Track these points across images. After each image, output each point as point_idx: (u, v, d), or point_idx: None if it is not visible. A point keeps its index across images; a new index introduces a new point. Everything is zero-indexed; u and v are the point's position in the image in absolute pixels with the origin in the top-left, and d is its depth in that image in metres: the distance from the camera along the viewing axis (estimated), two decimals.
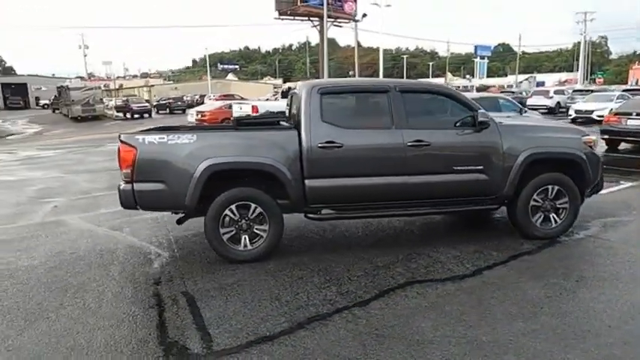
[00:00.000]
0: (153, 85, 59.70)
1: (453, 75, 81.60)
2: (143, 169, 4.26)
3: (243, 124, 4.93)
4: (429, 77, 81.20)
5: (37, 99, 57.55)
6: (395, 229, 5.48)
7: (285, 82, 75.14)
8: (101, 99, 35.50)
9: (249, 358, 2.83)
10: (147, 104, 37.31)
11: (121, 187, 4.31)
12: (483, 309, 3.40)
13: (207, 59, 60.87)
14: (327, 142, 4.44)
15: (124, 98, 39.54)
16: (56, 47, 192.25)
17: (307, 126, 4.46)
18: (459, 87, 61.84)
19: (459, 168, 4.67)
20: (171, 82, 75.97)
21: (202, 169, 4.23)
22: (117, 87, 60.87)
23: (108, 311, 3.53)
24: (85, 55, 57.79)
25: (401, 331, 3.10)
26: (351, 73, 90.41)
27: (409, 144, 4.55)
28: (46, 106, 50.96)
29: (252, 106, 15.78)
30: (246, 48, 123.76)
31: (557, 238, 4.89)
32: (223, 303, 3.61)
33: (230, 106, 19.50)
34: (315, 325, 3.22)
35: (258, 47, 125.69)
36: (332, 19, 55.41)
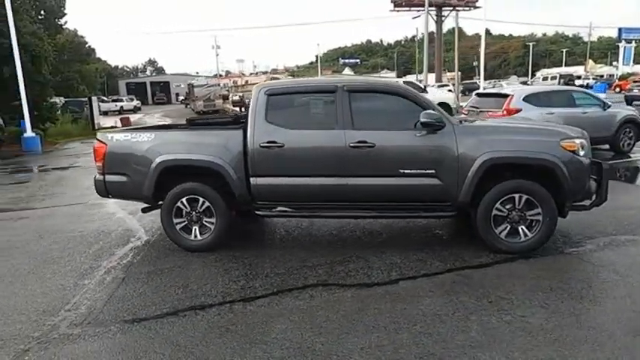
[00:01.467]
0: (274, 79, 63.66)
1: (596, 62, 71.70)
2: (111, 163, 4.90)
3: (196, 123, 5.31)
4: (562, 66, 72.74)
5: (177, 95, 65.43)
6: (363, 231, 5.38)
7: (404, 75, 73.91)
8: (221, 95, 39.00)
9: (106, 336, 3.21)
10: None
11: (96, 178, 5.01)
12: (350, 318, 3.30)
13: (319, 55, 62.96)
14: (268, 142, 4.60)
15: (240, 94, 42.89)
16: (197, 48, 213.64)
17: (252, 126, 4.67)
18: (602, 76, 54.17)
19: (407, 171, 4.45)
20: (291, 77, 79.74)
21: (155, 165, 4.71)
22: (243, 83, 66.12)
23: (52, 279, 4.22)
24: (217, 55, 64.05)
25: (247, 330, 3.19)
26: (475, 63, 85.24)
27: (351, 145, 4.47)
28: (181, 102, 57.82)
29: None
30: (368, 41, 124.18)
31: (532, 253, 4.36)
32: (141, 285, 4.05)
33: None
34: (188, 313, 3.47)
35: (380, 40, 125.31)
36: (450, 8, 52.82)
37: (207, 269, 4.37)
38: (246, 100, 39.55)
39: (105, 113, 42.15)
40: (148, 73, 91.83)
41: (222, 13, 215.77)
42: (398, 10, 53.20)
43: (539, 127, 4.79)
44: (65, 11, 48.47)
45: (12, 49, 16.31)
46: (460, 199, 4.43)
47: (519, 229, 4.43)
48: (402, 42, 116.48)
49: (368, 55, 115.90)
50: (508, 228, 4.44)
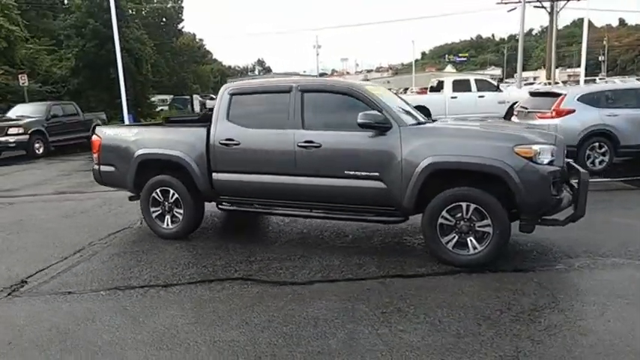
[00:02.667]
0: (368, 80, 63.50)
1: None
2: (104, 155, 5.51)
3: (171, 121, 5.68)
4: None
5: None
6: (331, 231, 5.34)
7: (515, 71, 68.89)
8: None
9: (50, 300, 3.73)
10: None
11: (93, 167, 5.68)
12: (234, 312, 3.39)
13: (413, 52, 61.10)
14: (227, 140, 4.83)
15: None
16: (303, 47, 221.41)
17: (215, 124, 4.94)
18: None
19: (351, 173, 4.37)
20: (390, 75, 78.88)
21: (134, 158, 5.22)
22: None
23: (35, 250, 4.92)
24: (318, 54, 65.79)
25: (138, 313, 3.44)
26: (601, 58, 76.18)
27: (299, 144, 4.51)
28: None
29: None
30: (479, 37, 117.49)
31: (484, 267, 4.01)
32: (106, 262, 4.56)
33: None
34: (110, 292, 3.85)
35: (492, 35, 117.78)
36: None
37: (163, 255, 4.74)
38: None
39: (210, 110, 45.75)
40: (256, 72, 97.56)
41: (327, 13, 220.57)
42: (506, 3, 49.89)
43: (494, 131, 4.33)
44: (182, 17, 53.44)
45: (119, 53, 18.66)
46: (404, 204, 4.23)
47: (468, 240, 4.10)
48: (516, 36, 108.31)
49: (477, 51, 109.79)
50: (456, 238, 4.13)
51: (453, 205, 4.07)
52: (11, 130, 13.98)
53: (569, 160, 4.84)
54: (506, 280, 3.82)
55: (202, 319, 3.31)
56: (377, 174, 4.28)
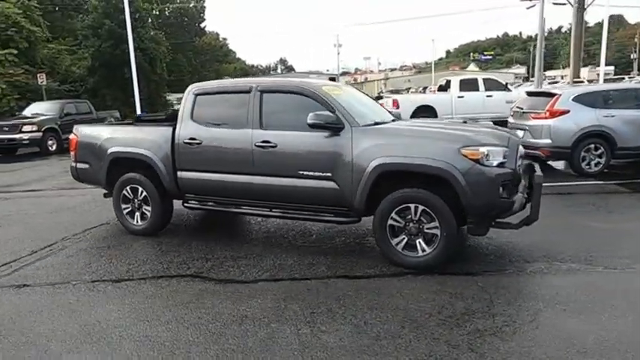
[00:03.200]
0: (388, 78, 63.05)
1: None
2: (80, 153, 5.68)
3: (141, 120, 5.79)
4: None
5: None
6: (298, 230, 5.36)
7: (545, 70, 67.28)
8: None
9: (3, 292, 3.90)
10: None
11: (71, 164, 5.85)
12: (163, 308, 3.47)
13: (434, 50, 60.08)
14: (190, 139, 4.91)
15: None
16: (325, 46, 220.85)
17: (180, 123, 5.03)
18: None
19: (304, 173, 4.38)
20: (412, 73, 78.04)
21: (106, 156, 5.36)
22: (362, 80, 66.91)
23: (10, 243, 5.10)
24: (339, 53, 65.83)
25: (79, 306, 3.56)
26: (633, 56, 73.43)
27: (256, 144, 4.55)
28: None
29: (393, 100, 15.70)
30: (505, 34, 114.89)
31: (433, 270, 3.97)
32: (70, 257, 4.71)
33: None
34: (64, 286, 3.98)
35: (519, 33, 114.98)
36: None
37: (126, 251, 4.86)
38: None
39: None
40: (278, 71, 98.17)
41: (350, 11, 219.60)
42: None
43: (444, 132, 4.25)
44: (204, 17, 54.25)
45: (133, 53, 19.13)
46: (355, 205, 4.22)
47: (417, 242, 4.06)
48: (546, 34, 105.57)
49: (503, 49, 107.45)
50: (405, 240, 4.09)
51: (402, 206, 4.04)
52: (25, 128, 14.50)
53: (533, 162, 4.75)
54: (450, 284, 3.77)
55: (136, 315, 3.39)
56: (329, 174, 4.28)
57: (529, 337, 2.91)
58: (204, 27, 57.50)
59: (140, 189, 5.27)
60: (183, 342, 2.98)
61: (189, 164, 4.95)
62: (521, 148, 4.41)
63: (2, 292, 3.90)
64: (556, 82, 39.30)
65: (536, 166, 4.52)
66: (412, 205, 4.00)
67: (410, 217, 4.04)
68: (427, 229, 4.00)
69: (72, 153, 5.77)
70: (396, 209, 4.06)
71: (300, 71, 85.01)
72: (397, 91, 35.45)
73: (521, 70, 70.71)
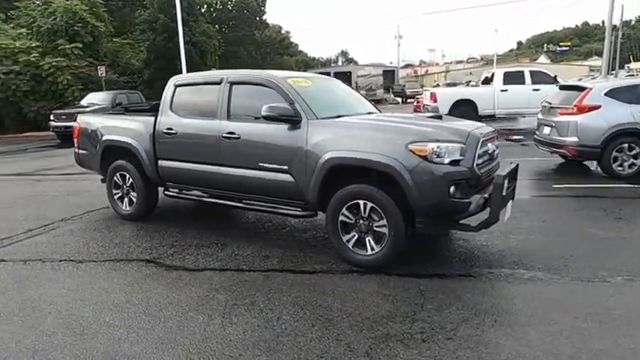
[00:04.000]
0: (449, 71, 60.82)
1: None
2: (81, 140, 6.05)
3: (130, 110, 5.99)
4: None
5: (357, 85, 68.32)
6: (282, 222, 5.37)
7: (627, 62, 61.90)
8: (382, 85, 39.47)
9: None
10: (419, 89, 39.11)
11: (74, 151, 6.24)
12: (94, 291, 3.64)
13: (495, 42, 56.87)
14: (167, 129, 5.07)
15: (402, 84, 42.58)
16: (388, 37, 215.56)
17: (160, 114, 5.20)
18: None
19: (264, 165, 4.38)
20: (479, 65, 74.52)
21: (100, 143, 5.67)
22: (423, 73, 65.15)
23: (13, 222, 5.56)
24: (399, 45, 64.65)
25: (37, 282, 3.83)
26: None
27: (223, 135, 4.61)
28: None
29: (431, 94, 15.14)
30: (585, 24, 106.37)
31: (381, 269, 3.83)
32: (56, 237, 5.06)
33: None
34: (36, 263, 4.29)
35: (602, 22, 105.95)
36: None
37: (107, 233, 5.13)
38: (407, 91, 39.31)
39: None
40: (339, 63, 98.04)
41: (413, 2, 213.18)
42: None
43: (396, 127, 4.02)
44: (265, 9, 55.17)
45: (185, 46, 19.96)
46: (309, 199, 4.16)
47: (366, 240, 3.92)
48: (632, 22, 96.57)
49: (582, 40, 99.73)
50: (356, 237, 3.98)
51: (352, 202, 3.92)
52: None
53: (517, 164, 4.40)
54: (391, 284, 3.61)
55: (75, 294, 3.57)
56: (286, 167, 4.24)
57: (434, 347, 2.72)
58: (265, 19, 58.55)
59: (127, 176, 5.53)
60: (100, 323, 3.11)
61: (167, 154, 5.12)
62: (491, 145, 4.11)
63: None
64: (631, 76, 35.92)
65: (511, 167, 4.18)
66: (361, 202, 3.87)
67: (360, 214, 3.91)
68: (376, 227, 3.86)
69: (75, 140, 6.16)
70: (347, 205, 3.94)
71: (363, 63, 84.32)
72: (453, 84, 34.22)
73: (598, 62, 65.28)
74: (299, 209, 4.37)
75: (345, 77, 69.62)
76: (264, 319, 3.11)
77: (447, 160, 3.63)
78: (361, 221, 3.92)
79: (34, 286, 3.74)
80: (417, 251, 4.27)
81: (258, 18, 56.10)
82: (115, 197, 5.73)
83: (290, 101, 4.26)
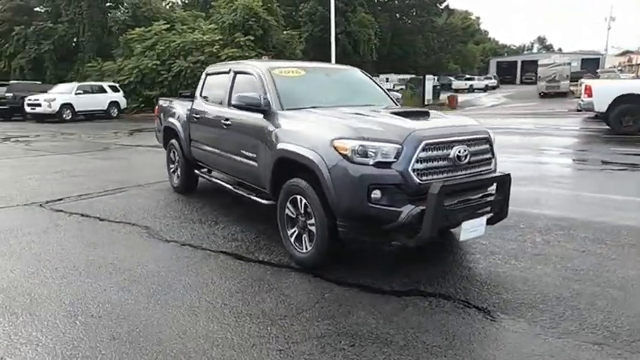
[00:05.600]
0: None
1: None
2: (160, 120, 7.08)
3: (182, 96, 6.60)
4: None
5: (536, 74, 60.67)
6: None
7: None
8: (568, 76, 34.13)
9: (45, 211, 5.52)
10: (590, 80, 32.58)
11: (156, 129, 7.33)
12: (68, 241, 4.33)
13: None
14: (195, 114, 5.64)
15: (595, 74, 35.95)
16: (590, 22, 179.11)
17: (194, 100, 5.80)
18: None
19: (244, 152, 4.56)
20: None
21: (162, 125, 6.60)
22: (638, 63, 53.94)
23: (99, 182, 6.88)
24: (609, 28, 55.12)
25: (59, 235, 4.77)
26: None
27: (223, 122, 4.93)
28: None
29: (586, 87, 12.62)
30: None
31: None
32: (117, 198, 6.14)
33: None
34: (78, 216, 5.34)
35: None
36: None
37: (147, 201, 5.98)
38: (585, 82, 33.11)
39: (455, 90, 44.77)
40: (534, 50, 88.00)
41: None
42: None
43: (337, 119, 3.61)
44: None
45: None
46: (267, 189, 4.20)
47: (303, 237, 3.80)
48: None
49: None
50: (296, 233, 3.88)
51: (292, 196, 3.82)
52: None
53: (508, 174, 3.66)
54: (301, 287, 3.45)
55: (57, 245, 4.38)
56: (255, 155, 4.35)
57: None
58: (447, 5, 56.22)
59: (176, 153, 6.33)
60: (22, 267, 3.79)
61: (195, 136, 5.69)
62: (461, 149, 3.44)
63: (44, 211, 5.53)
64: None
65: (479, 177, 3.48)
66: (298, 197, 3.75)
67: (299, 209, 3.80)
68: (309, 224, 3.70)
69: (156, 120, 7.25)
70: (290, 199, 3.86)
71: (566, 52, 74.02)
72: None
73: None
74: (265, 198, 4.42)
75: (534, 66, 62.47)
76: (145, 297, 3.28)
77: (372, 161, 3.26)
78: (300, 217, 3.80)
79: (53, 234, 4.71)
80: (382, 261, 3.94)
81: (438, 4, 54.24)
82: (171, 170, 6.61)
83: (263, 91, 4.32)
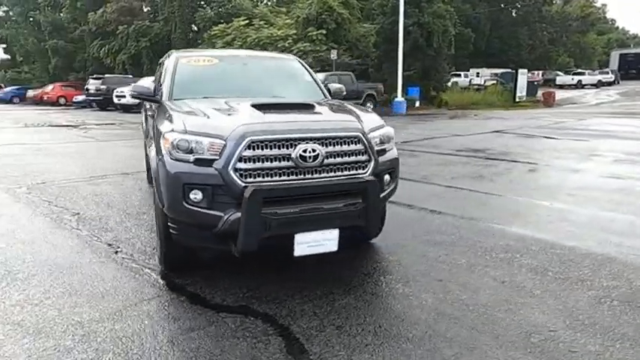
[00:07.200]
0: None
1: None
2: None
3: None
4: None
5: None
6: None
7: None
8: None
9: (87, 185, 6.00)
10: None
11: None
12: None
13: None
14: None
15: None
16: None
17: None
18: None
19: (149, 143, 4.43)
20: None
21: None
22: None
23: (126, 162, 7.28)
24: None
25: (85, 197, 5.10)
26: None
27: (150, 113, 4.86)
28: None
29: None
30: None
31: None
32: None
33: None
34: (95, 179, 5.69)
35: None
36: None
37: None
38: None
39: (560, 86, 40.24)
40: None
41: None
42: None
43: (182, 111, 3.25)
44: None
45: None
46: None
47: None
48: None
49: None
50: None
51: None
52: None
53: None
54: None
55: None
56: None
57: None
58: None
59: None
60: None
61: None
62: (307, 148, 2.94)
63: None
64: None
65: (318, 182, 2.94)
66: None
67: None
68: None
69: None
70: None
71: None
72: None
73: None
74: None
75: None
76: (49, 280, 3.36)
77: (193, 158, 2.91)
78: None
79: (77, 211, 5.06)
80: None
81: None
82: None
83: (160, 80, 4.14)
